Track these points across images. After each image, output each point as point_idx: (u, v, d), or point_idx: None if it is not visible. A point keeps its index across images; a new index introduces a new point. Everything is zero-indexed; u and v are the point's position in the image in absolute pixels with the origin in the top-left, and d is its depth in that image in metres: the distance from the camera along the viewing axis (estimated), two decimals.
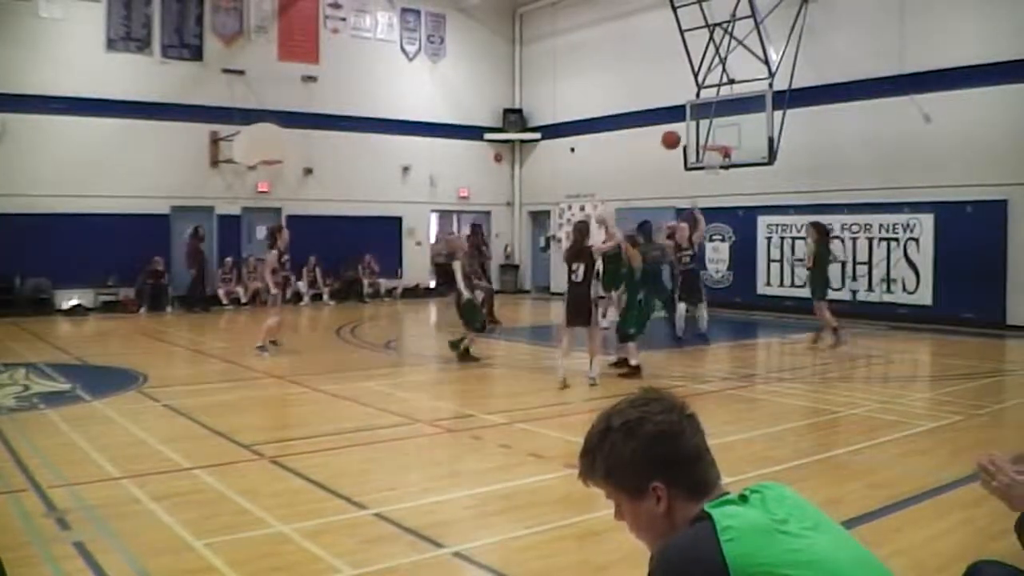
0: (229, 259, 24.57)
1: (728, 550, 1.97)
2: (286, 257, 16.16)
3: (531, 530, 6.09)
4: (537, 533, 6.04)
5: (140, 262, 22.84)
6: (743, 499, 2.15)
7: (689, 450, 2.22)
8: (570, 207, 28.80)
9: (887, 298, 20.44)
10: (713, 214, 23.34)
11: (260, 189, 25.34)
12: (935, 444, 8.87)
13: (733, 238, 23.83)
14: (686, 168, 21.38)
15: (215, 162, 24.77)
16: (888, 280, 20.46)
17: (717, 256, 24.08)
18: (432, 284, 28.49)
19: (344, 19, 27.17)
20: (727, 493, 2.19)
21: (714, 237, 23.94)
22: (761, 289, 22.76)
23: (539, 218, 30.39)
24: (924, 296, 19.79)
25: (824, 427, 9.67)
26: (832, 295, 21.24)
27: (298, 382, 12.40)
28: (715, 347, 16.56)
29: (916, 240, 19.90)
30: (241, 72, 24.92)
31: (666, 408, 2.25)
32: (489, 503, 6.80)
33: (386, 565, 5.39)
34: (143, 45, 23.71)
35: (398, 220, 28.12)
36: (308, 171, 26.09)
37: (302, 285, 25.55)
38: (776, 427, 9.73)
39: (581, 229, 12.32)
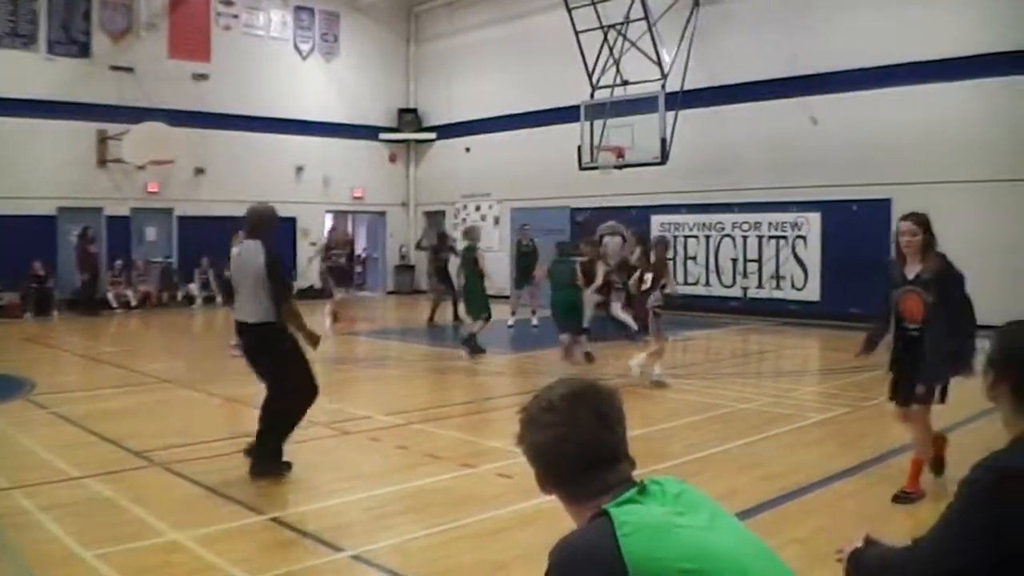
0: (119, 261, 24.00)
1: (626, 545, 2.00)
2: None
3: (430, 531, 6.11)
4: (436, 533, 6.06)
5: (26, 265, 22.16)
6: (643, 491, 2.18)
7: (577, 461, 2.22)
8: (465, 207, 28.83)
9: (777, 295, 20.92)
10: (607, 214, 23.61)
11: (150, 189, 24.77)
12: (825, 436, 9.14)
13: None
14: (580, 168, 21.57)
15: (103, 161, 24.11)
16: (777, 277, 20.94)
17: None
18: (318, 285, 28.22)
19: (236, 16, 26.75)
20: (630, 484, 2.22)
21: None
22: None
23: (435, 218, 30.27)
24: (812, 292, 20.31)
25: (718, 421, 9.86)
26: (724, 292, 21.73)
27: (191, 386, 12.20)
28: (610, 344, 16.73)
29: (804, 238, 20.40)
30: (130, 69, 24.32)
31: (567, 415, 2.23)
32: (387, 505, 6.79)
33: (284, 570, 5.35)
34: (29, 41, 22.96)
35: (292, 221, 27.73)
36: (200, 171, 25.62)
37: (194, 287, 25.14)
38: (671, 422, 9.90)
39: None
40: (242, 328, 7.54)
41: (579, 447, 2.22)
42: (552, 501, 2.33)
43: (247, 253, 7.46)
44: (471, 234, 15.91)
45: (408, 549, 5.82)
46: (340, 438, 9.17)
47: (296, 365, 7.53)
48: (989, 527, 2.44)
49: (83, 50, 23.87)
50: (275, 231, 7.81)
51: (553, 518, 2.45)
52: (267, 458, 7.40)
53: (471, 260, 15.28)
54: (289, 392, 7.49)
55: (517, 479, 7.09)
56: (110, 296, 23.70)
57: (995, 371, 2.69)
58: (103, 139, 24.01)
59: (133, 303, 23.92)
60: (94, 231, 23.48)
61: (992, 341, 2.74)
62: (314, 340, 7.74)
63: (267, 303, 7.29)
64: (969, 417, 9.04)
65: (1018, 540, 2.41)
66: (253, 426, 9.46)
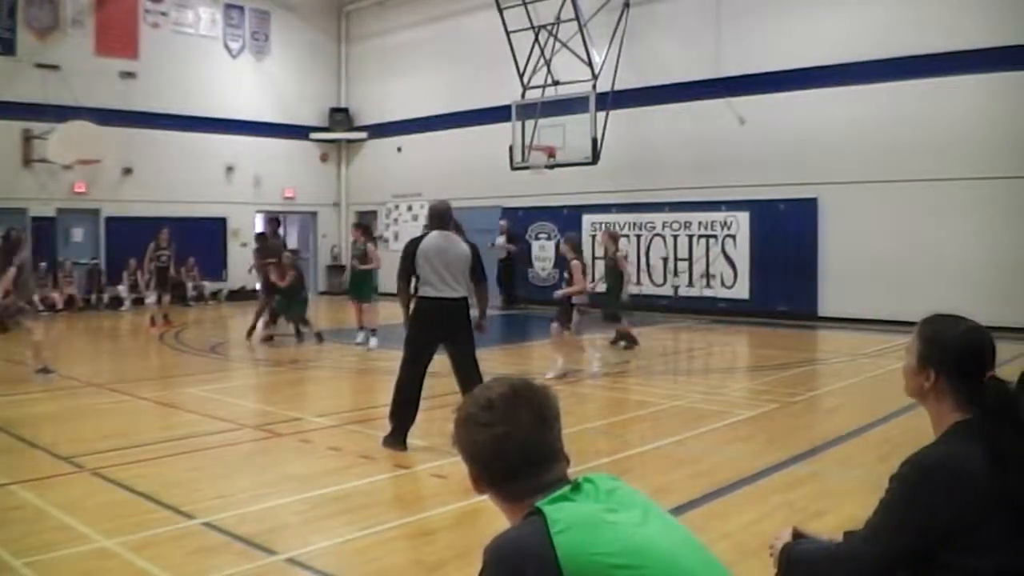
0: (44, 264, 23.54)
1: (559, 542, 2.03)
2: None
3: (364, 532, 6.09)
4: (370, 535, 6.04)
5: None
6: (576, 489, 2.20)
7: (516, 460, 2.23)
8: (397, 207, 28.77)
9: (707, 293, 21.19)
10: (539, 213, 23.74)
11: (77, 190, 24.34)
12: (754, 431, 9.26)
13: (559, 236, 24.22)
14: (512, 168, 21.65)
15: (28, 161, 23.63)
16: (707, 276, 21.20)
17: (543, 254, 24.43)
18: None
19: (165, 14, 26.38)
20: (565, 482, 2.24)
21: (539, 235, 24.35)
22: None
23: (366, 218, 30.10)
24: (741, 290, 20.59)
25: (649, 419, 9.96)
26: (655, 291, 21.90)
27: (119, 390, 12.03)
28: (540, 343, 16.80)
29: (733, 237, 20.68)
30: (56, 67, 23.84)
31: (507, 414, 2.24)
32: (321, 507, 6.76)
33: (217, 575, 5.31)
34: None
35: (222, 221, 27.49)
36: (128, 171, 25.23)
37: (123, 289, 24.79)
38: (603, 420, 9.98)
39: None
40: (443, 303, 8.43)
41: (519, 446, 2.23)
42: (487, 501, 2.35)
43: (451, 241, 8.59)
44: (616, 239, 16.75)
45: (343, 551, 5.80)
46: (271, 440, 9.11)
47: None
48: (918, 519, 2.52)
49: (7, 47, 23.35)
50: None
51: (488, 518, 2.49)
52: None
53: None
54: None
55: (451, 479, 7.11)
56: (35, 299, 23.22)
57: (932, 366, 2.74)
58: (28, 138, 23.54)
59: (59, 306, 23.50)
60: (20, 232, 22.97)
61: (917, 340, 2.79)
62: (485, 317, 9.18)
63: (466, 282, 8.56)
64: (897, 411, 9.25)
65: (946, 531, 2.50)
66: (184, 429, 9.41)
